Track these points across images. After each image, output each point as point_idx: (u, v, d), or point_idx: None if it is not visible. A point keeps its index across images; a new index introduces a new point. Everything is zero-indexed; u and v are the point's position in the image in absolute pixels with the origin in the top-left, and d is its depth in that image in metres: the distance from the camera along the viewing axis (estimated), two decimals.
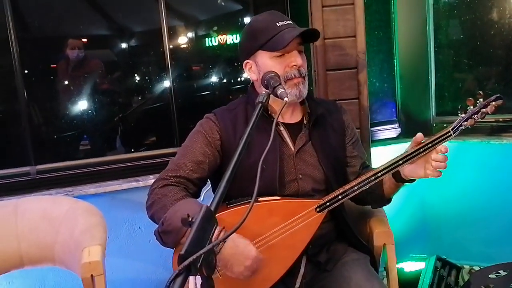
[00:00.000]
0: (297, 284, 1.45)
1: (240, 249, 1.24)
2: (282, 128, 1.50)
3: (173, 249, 1.36)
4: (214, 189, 1.58)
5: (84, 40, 2.49)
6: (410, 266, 2.37)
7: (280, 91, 1.25)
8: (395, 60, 2.70)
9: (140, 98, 2.71)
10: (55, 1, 2.42)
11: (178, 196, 1.38)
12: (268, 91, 1.27)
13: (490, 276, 0.87)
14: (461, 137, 2.50)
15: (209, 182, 1.57)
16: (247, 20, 2.82)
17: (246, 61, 1.50)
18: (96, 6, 2.53)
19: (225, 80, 2.85)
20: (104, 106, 2.54)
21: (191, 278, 0.72)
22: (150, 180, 2.21)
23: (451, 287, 2.27)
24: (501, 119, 2.55)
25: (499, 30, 2.58)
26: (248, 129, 1.05)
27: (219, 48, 2.81)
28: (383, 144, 2.63)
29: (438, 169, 1.37)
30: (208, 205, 0.80)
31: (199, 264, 0.68)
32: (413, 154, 1.39)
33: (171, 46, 2.47)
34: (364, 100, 2.12)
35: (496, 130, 2.56)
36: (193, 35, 2.82)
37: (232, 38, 2.78)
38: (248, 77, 1.53)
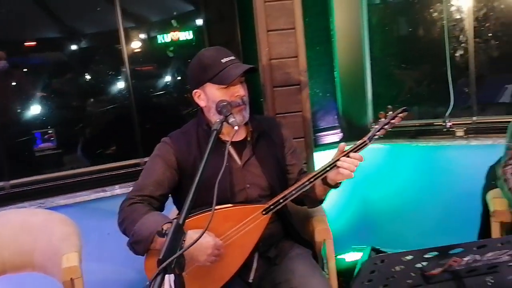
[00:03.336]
0: (251, 277, 1.69)
1: (199, 242, 1.45)
2: (229, 146, 1.75)
3: (143, 256, 1.59)
4: (174, 201, 1.81)
5: (33, 43, 2.57)
6: (351, 257, 2.69)
7: (231, 120, 1.50)
8: (335, 72, 2.99)
9: (96, 102, 2.82)
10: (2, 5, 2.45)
11: (144, 211, 1.60)
12: (221, 118, 1.52)
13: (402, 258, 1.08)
14: (394, 140, 2.89)
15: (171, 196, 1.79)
16: (199, 22, 3.01)
17: (195, 90, 1.70)
18: (45, 9, 2.59)
19: (179, 78, 2.99)
20: (61, 111, 2.64)
21: (166, 276, 0.96)
22: (117, 190, 2.40)
23: None
24: (433, 123, 2.90)
25: (428, 43, 2.94)
26: (206, 154, 1.29)
27: (173, 47, 2.93)
28: (328, 148, 2.90)
29: (346, 171, 1.58)
30: (177, 220, 1.05)
31: (173, 265, 0.93)
32: (334, 163, 1.61)
33: (129, 48, 2.57)
34: (307, 112, 2.39)
35: (421, 133, 2.91)
36: (146, 36, 2.91)
37: (185, 35, 2.92)
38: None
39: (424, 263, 0.90)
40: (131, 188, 2.33)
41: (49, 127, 2.58)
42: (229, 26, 2.80)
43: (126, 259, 2.46)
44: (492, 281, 1.05)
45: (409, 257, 0.86)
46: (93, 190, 2.38)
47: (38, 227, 1.96)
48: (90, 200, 2.34)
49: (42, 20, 2.63)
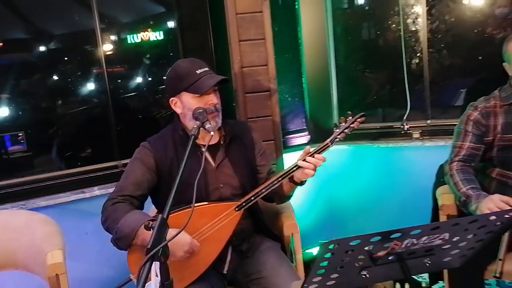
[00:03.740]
0: (226, 269, 1.85)
1: (179, 238, 1.55)
2: (203, 149, 1.90)
3: (126, 251, 1.73)
4: (153, 201, 1.95)
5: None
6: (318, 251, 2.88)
7: (207, 126, 1.65)
8: (303, 78, 3.17)
9: (71, 104, 2.84)
10: None
11: (125, 210, 1.74)
12: (198, 124, 1.67)
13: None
14: (357, 141, 3.10)
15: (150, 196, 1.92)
16: (170, 24, 3.11)
17: (172, 98, 1.84)
18: (13, 9, 2.59)
19: (150, 78, 3.04)
20: (32, 113, 2.67)
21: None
22: (95, 191, 2.50)
23: None
24: (392, 126, 3.12)
25: (387, 52, 3.16)
26: (185, 157, 1.44)
27: (147, 48, 2.99)
28: (296, 149, 3.07)
29: (310, 172, 1.75)
30: (162, 215, 1.20)
31: (159, 254, 1.08)
32: (301, 163, 1.77)
33: (105, 49, 2.60)
34: (276, 117, 2.57)
35: (381, 135, 3.14)
36: (119, 37, 2.95)
37: (156, 35, 2.97)
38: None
39: (371, 247, 1.08)
40: (109, 189, 2.48)
41: (19, 129, 2.61)
42: (202, 34, 2.94)
43: (103, 258, 2.59)
44: (430, 262, 1.24)
45: (357, 242, 1.04)
46: (72, 192, 2.47)
47: (21, 227, 2.05)
48: (70, 201, 2.43)
49: (9, 20, 2.61)
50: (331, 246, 1.01)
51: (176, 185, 1.30)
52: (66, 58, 2.88)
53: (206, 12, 2.87)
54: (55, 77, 2.85)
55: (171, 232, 1.23)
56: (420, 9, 2.95)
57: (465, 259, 1.29)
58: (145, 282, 1.01)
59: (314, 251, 2.88)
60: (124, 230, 1.66)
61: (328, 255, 1.04)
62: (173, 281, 1.16)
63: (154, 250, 1.05)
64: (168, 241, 1.13)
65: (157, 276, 1.14)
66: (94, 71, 2.77)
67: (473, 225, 1.13)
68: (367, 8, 3.25)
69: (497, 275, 1.72)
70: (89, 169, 2.60)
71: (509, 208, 1.67)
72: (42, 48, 2.79)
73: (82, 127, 2.91)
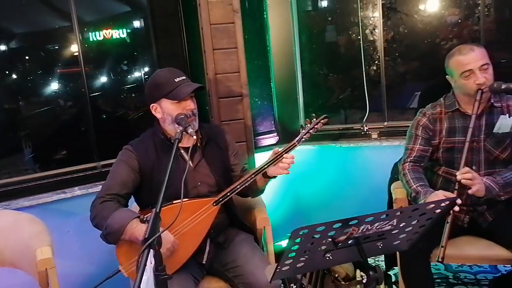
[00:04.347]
0: (205, 259, 2.04)
1: (163, 236, 1.77)
2: (182, 151, 2.05)
3: (115, 245, 1.89)
4: (136, 199, 2.10)
5: None
6: (287, 243, 3.11)
7: (190, 130, 1.83)
8: (272, 83, 3.37)
9: (40, 104, 2.87)
10: None
11: (114, 208, 1.90)
12: (181, 129, 1.85)
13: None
14: (321, 141, 3.34)
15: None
16: (136, 23, 3.22)
17: (152, 104, 2.01)
18: None
19: (119, 78, 3.11)
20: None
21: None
22: (76, 191, 2.62)
23: None
24: (352, 127, 3.38)
25: (348, 59, 3.42)
26: (172, 158, 1.61)
27: (108, 46, 3.03)
28: (266, 150, 3.23)
29: (285, 168, 1.96)
30: (155, 209, 1.38)
31: (155, 243, 1.26)
32: (273, 161, 1.96)
33: (83, 47, 2.63)
34: (248, 120, 2.76)
35: (343, 136, 3.39)
36: (81, 36, 2.94)
37: (119, 33, 3.03)
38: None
39: (333, 232, 1.30)
40: (89, 189, 2.62)
41: None
42: (176, 42, 3.10)
43: (85, 254, 2.71)
44: (382, 245, 1.48)
45: (322, 228, 1.26)
46: (54, 192, 2.58)
47: (8, 227, 2.16)
48: (52, 201, 2.53)
49: None
50: (301, 232, 1.22)
51: (165, 182, 1.49)
52: (31, 58, 2.88)
53: (180, 21, 3.04)
54: (15, 76, 2.84)
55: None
56: (377, 21, 3.23)
57: (412, 243, 1.54)
58: (144, 266, 1.19)
59: (283, 243, 3.10)
60: (113, 226, 1.82)
61: (298, 239, 1.25)
62: (165, 267, 1.35)
63: (152, 239, 1.23)
64: (163, 232, 1.31)
65: (151, 262, 1.33)
66: (69, 70, 2.84)
67: (415, 213, 1.37)
68: (330, 19, 3.50)
69: (440, 260, 1.98)
70: (70, 170, 2.71)
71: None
72: (8, 46, 2.80)
73: (58, 128, 2.98)
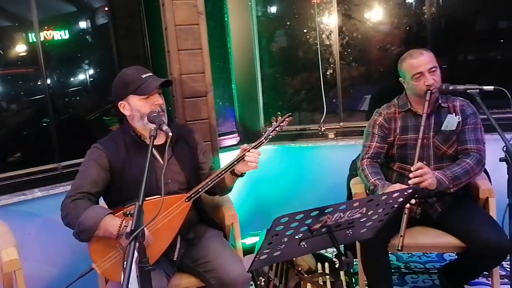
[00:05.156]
0: (176, 256, 2.07)
1: None
2: (153, 149, 2.10)
3: (88, 242, 1.88)
4: (104, 198, 2.09)
5: None
6: (250, 240, 3.19)
7: (164, 128, 1.85)
8: (233, 85, 3.45)
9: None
10: None
11: (85, 205, 1.89)
12: (155, 126, 1.87)
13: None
14: (280, 142, 3.46)
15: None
16: (82, 24, 3.19)
17: (120, 102, 2.02)
18: None
19: (62, 80, 3.07)
20: None
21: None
22: (37, 193, 2.55)
23: None
24: (310, 127, 3.51)
25: (306, 63, 3.55)
26: (149, 156, 1.64)
27: (68, 45, 3.02)
28: (228, 150, 3.34)
29: (253, 162, 2.02)
30: (138, 202, 1.41)
31: (140, 234, 1.30)
32: (240, 158, 2.02)
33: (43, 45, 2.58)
34: (212, 120, 2.81)
35: (301, 136, 3.52)
36: (24, 35, 2.90)
37: (60, 34, 2.99)
38: None
39: (310, 220, 1.39)
40: (50, 191, 2.57)
41: None
42: (138, 42, 3.10)
43: (47, 256, 2.66)
44: (351, 233, 1.60)
45: (301, 216, 1.35)
46: (14, 194, 2.51)
47: None
48: (12, 203, 2.46)
49: None
50: (282, 220, 1.30)
51: (145, 178, 1.52)
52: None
53: (142, 22, 3.04)
54: None
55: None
56: (332, 27, 3.40)
57: (376, 230, 1.67)
58: (132, 257, 1.23)
59: (246, 240, 3.18)
60: (86, 224, 1.81)
61: (280, 227, 1.33)
62: (148, 259, 1.38)
63: (138, 231, 1.27)
64: (147, 225, 1.35)
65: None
66: (27, 70, 2.79)
67: (382, 201, 1.50)
68: (289, 23, 3.64)
69: (399, 248, 2.13)
70: (30, 172, 2.64)
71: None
72: None
73: (17, 129, 2.91)
